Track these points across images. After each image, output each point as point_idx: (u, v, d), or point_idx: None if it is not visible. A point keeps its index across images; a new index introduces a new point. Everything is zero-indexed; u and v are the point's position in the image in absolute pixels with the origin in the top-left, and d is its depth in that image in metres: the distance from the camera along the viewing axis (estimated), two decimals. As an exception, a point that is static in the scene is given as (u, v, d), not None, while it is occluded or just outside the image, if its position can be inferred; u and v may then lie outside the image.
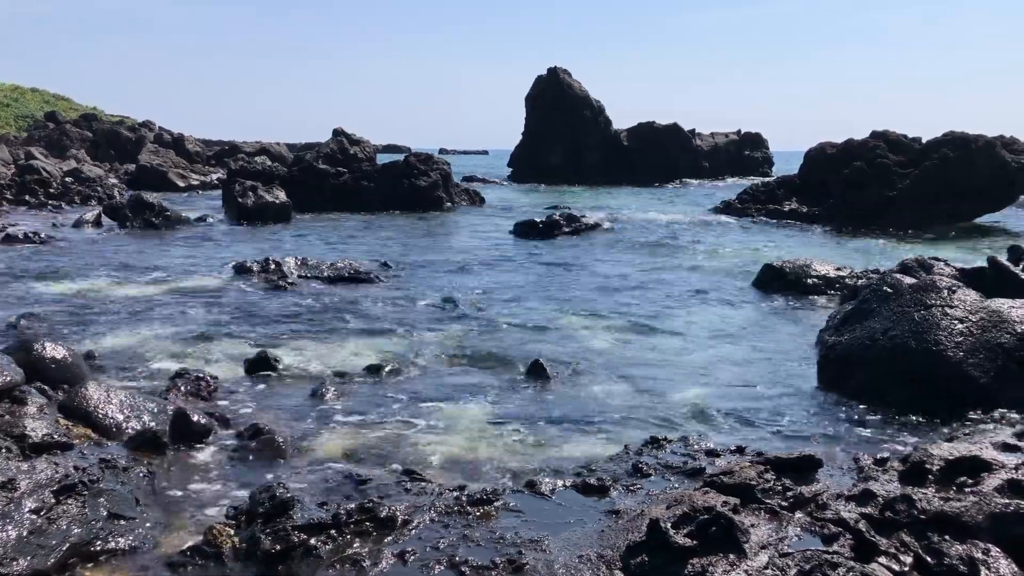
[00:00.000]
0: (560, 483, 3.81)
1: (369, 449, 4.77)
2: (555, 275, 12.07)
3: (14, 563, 3.06)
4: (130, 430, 4.58)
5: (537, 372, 6.33)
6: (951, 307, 5.65)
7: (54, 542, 3.23)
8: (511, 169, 52.21)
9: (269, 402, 5.65)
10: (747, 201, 22.10)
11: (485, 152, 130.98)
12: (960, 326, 5.52)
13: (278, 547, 3.16)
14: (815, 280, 10.53)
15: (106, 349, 6.88)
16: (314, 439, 4.91)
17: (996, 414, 5.24)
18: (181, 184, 29.74)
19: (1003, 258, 8.84)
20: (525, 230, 18.45)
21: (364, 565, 3.04)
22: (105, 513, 3.49)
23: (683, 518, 3.02)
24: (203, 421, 4.68)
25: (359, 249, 14.66)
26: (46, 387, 4.95)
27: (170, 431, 4.58)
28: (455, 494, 3.65)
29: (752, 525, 2.99)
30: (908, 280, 6.64)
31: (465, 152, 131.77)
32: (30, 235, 14.12)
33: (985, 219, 21.14)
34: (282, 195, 19.76)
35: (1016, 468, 3.22)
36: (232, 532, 3.33)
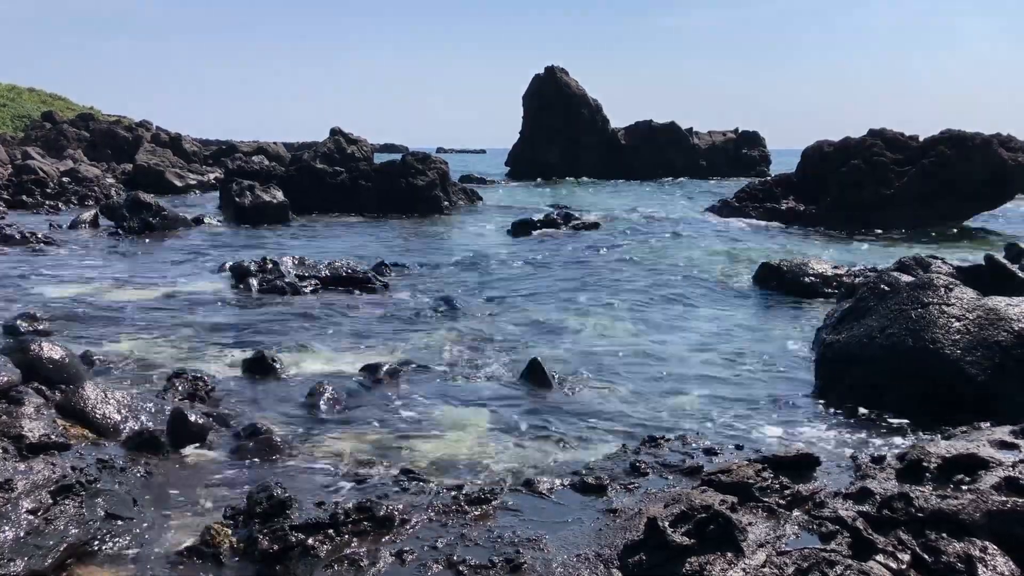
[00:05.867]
0: (558, 482, 3.81)
1: (367, 449, 4.76)
2: (552, 274, 12.07)
3: (11, 564, 3.05)
4: (128, 430, 4.58)
5: (535, 372, 6.33)
6: (948, 305, 5.65)
7: (51, 543, 3.22)
8: (509, 168, 52.22)
9: (267, 402, 5.65)
10: (744, 199, 22.09)
11: (483, 151, 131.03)
12: (957, 324, 5.52)
13: (276, 547, 3.16)
14: (812, 278, 10.54)
15: (103, 350, 6.87)
16: (312, 439, 4.91)
17: (993, 412, 5.24)
18: (178, 184, 29.69)
19: (1000, 256, 8.85)
20: (522, 229, 18.45)
21: (362, 565, 3.04)
22: (102, 513, 3.48)
23: (681, 516, 3.02)
24: (201, 421, 4.67)
25: (356, 249, 14.65)
26: (43, 387, 4.93)
27: (168, 431, 4.57)
28: (453, 493, 3.64)
29: (750, 523, 2.99)
30: (905, 278, 6.65)
31: (463, 151, 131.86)
32: (27, 235, 14.10)
33: (982, 217, 21.17)
34: (279, 195, 19.75)
35: (1013, 466, 3.23)
36: (230, 532, 3.33)
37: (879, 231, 18.50)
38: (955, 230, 18.92)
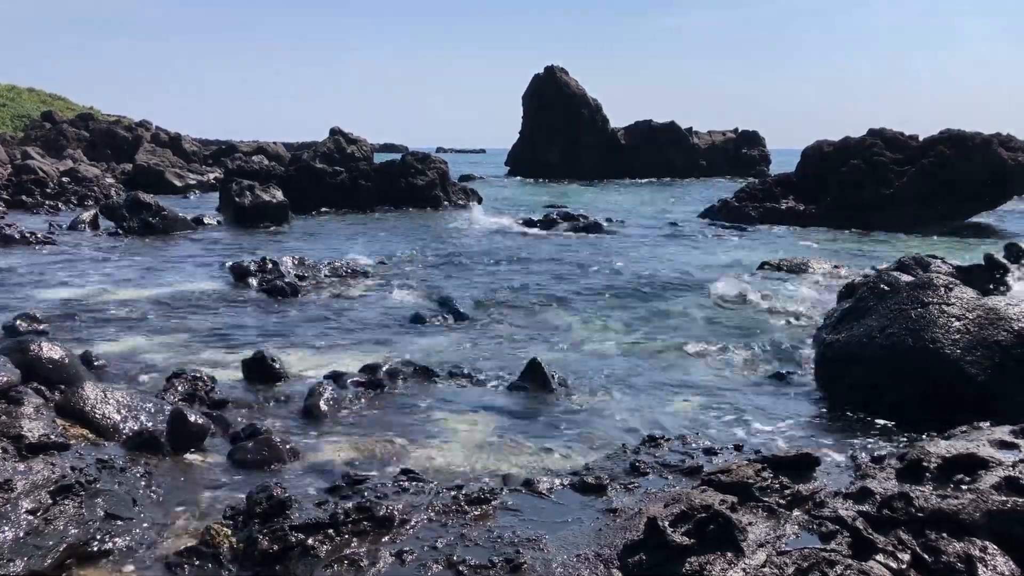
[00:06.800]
0: (557, 482, 3.80)
1: (367, 449, 4.76)
2: (552, 274, 12.07)
3: (11, 564, 3.05)
4: (127, 430, 4.57)
5: (534, 371, 6.32)
6: (948, 305, 5.65)
7: (51, 543, 3.22)
8: (509, 168, 52.25)
9: (266, 402, 5.65)
10: (744, 199, 22.10)
11: (482, 151, 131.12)
12: (957, 324, 5.52)
13: (275, 547, 3.16)
14: (812, 278, 10.54)
15: (103, 350, 6.87)
16: (311, 439, 4.91)
17: (993, 412, 5.24)
18: (178, 184, 29.70)
19: (1000, 255, 8.86)
20: (522, 228, 18.47)
21: (362, 565, 3.04)
22: (102, 513, 3.48)
23: (681, 516, 3.02)
24: (200, 421, 4.66)
25: (356, 248, 14.65)
26: (43, 387, 4.93)
27: (167, 431, 4.56)
28: (452, 493, 3.64)
29: (750, 523, 2.99)
30: (905, 278, 6.65)
31: (462, 151, 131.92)
32: (27, 236, 14.09)
33: (982, 217, 21.17)
34: (279, 194, 19.74)
35: (1013, 466, 3.22)
36: (229, 532, 3.32)
37: (879, 231, 18.50)
38: (955, 230, 18.92)
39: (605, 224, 18.23)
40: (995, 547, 2.80)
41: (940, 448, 3.47)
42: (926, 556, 2.79)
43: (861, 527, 2.93)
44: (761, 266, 11.30)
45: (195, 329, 7.86)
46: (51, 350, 5.33)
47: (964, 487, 3.13)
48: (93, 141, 38.90)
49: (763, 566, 2.74)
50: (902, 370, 5.52)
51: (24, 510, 3.29)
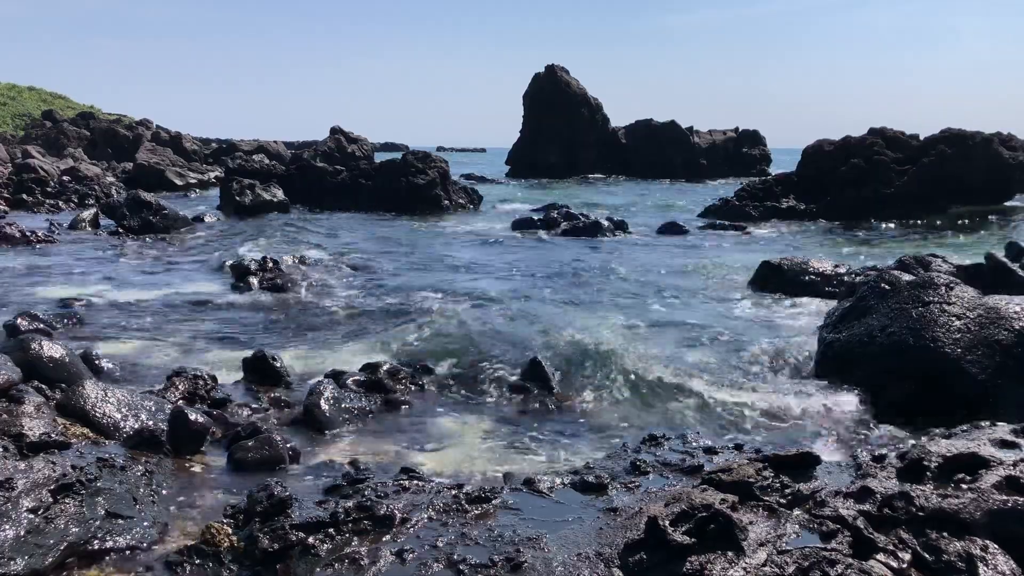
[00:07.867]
0: (558, 481, 3.80)
1: (367, 448, 4.77)
2: (551, 273, 12.07)
3: (11, 563, 3.05)
4: (128, 429, 4.57)
5: (535, 371, 6.33)
6: (949, 304, 5.65)
7: (52, 541, 3.22)
8: (509, 167, 52.24)
9: (267, 401, 5.65)
10: (745, 199, 22.09)
11: (483, 150, 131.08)
12: (958, 323, 5.52)
13: (276, 546, 3.16)
14: (813, 277, 10.53)
15: (103, 349, 6.87)
16: (312, 438, 4.91)
17: (994, 411, 5.25)
18: (179, 183, 29.72)
19: (1001, 254, 8.86)
20: (522, 228, 18.48)
21: (362, 564, 3.04)
22: (103, 512, 3.48)
23: (681, 516, 3.02)
24: (201, 420, 4.66)
25: (357, 247, 14.65)
26: (43, 386, 4.93)
27: (168, 430, 4.56)
28: (453, 492, 3.64)
29: (750, 522, 2.99)
30: (906, 277, 6.64)
31: (463, 150, 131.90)
32: (27, 235, 14.09)
33: (983, 216, 21.16)
34: (280, 193, 19.77)
35: (1014, 465, 3.22)
36: (230, 531, 3.32)
37: (880, 230, 18.50)
38: (955, 229, 18.92)
39: (605, 224, 18.22)
40: (996, 546, 2.80)
41: (941, 447, 3.47)
42: (927, 555, 2.79)
43: (862, 526, 2.93)
44: (761, 265, 11.29)
45: (195, 328, 7.86)
46: (52, 349, 5.34)
47: (965, 486, 3.13)
48: (94, 140, 38.94)
49: (764, 565, 2.74)
50: (903, 369, 5.52)
51: (25, 509, 3.29)
